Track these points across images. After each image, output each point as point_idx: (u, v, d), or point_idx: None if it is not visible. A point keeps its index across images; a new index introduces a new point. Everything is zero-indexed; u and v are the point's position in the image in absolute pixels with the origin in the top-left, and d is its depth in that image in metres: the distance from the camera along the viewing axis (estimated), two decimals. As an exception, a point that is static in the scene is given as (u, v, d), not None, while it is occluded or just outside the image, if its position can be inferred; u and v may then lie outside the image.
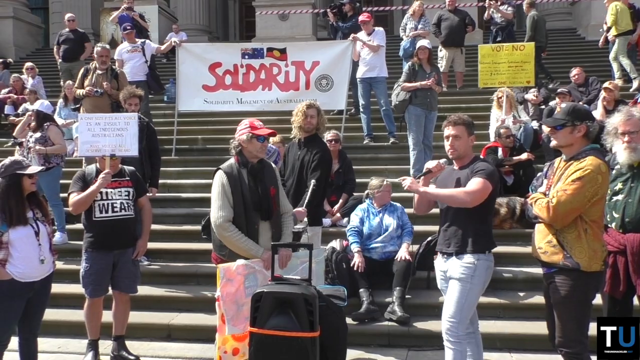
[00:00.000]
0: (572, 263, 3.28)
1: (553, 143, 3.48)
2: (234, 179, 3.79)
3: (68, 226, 6.81)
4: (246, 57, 8.68)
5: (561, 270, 3.34)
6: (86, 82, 7.59)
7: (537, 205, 3.36)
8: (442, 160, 3.67)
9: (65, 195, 6.78)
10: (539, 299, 5.31)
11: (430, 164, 3.64)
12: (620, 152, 3.70)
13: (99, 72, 7.59)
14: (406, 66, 7.90)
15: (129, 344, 4.75)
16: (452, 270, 3.57)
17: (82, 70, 7.85)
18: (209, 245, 4.04)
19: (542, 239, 3.41)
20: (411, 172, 7.49)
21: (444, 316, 3.61)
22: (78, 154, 5.01)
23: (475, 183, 3.47)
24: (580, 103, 8.04)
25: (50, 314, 4.99)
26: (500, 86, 7.81)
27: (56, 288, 5.74)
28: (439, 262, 3.72)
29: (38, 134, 6.56)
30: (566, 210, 3.22)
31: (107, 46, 8.07)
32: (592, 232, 3.30)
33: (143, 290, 5.38)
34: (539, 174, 3.85)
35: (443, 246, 3.64)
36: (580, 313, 3.36)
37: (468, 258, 3.53)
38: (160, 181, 6.82)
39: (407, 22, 10.09)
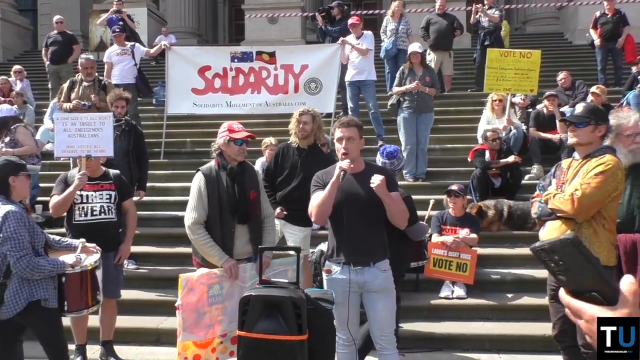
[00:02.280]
0: None
1: (572, 140, 3.49)
2: (212, 181, 3.82)
3: (54, 230, 6.76)
4: (235, 60, 8.67)
5: None
6: (73, 95, 7.39)
7: (558, 199, 3.38)
8: (348, 161, 3.44)
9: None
10: (527, 300, 5.36)
11: (345, 165, 3.37)
12: (624, 154, 3.72)
13: (85, 84, 7.40)
14: (399, 71, 7.96)
15: (117, 348, 4.73)
16: (373, 282, 3.45)
17: (67, 83, 7.65)
18: (197, 249, 4.03)
19: (559, 235, 3.42)
20: (403, 173, 7.54)
21: (383, 330, 3.53)
22: (55, 155, 4.97)
23: (401, 201, 3.50)
24: (567, 107, 8.13)
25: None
26: (505, 92, 7.82)
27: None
28: (347, 272, 3.46)
29: (7, 139, 6.47)
30: (590, 202, 3.29)
31: (91, 57, 7.85)
32: (609, 227, 3.39)
33: (131, 294, 5.37)
34: (546, 175, 3.84)
35: (352, 256, 3.45)
36: None
37: (385, 265, 3.51)
38: (149, 184, 6.79)
39: (387, 24, 10.12)
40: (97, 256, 3.91)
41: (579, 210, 3.31)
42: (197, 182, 3.85)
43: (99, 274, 3.89)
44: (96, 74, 7.67)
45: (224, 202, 3.79)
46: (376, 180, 3.29)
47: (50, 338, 3.70)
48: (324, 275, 3.64)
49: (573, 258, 1.28)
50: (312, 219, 3.53)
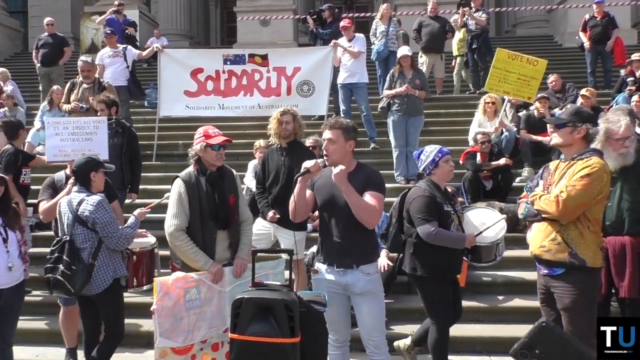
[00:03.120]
0: (578, 260, 3.35)
1: (553, 141, 3.55)
2: (192, 187, 3.79)
3: (43, 233, 6.73)
4: (228, 63, 8.69)
5: (568, 272, 3.39)
6: (72, 97, 7.35)
7: (543, 200, 3.41)
8: (320, 160, 3.50)
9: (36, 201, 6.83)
10: (518, 302, 5.39)
11: (308, 164, 3.44)
12: (614, 157, 3.76)
13: (85, 86, 7.35)
14: (389, 74, 7.99)
15: (108, 351, 4.71)
16: (355, 285, 3.48)
17: (68, 85, 7.63)
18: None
19: (545, 237, 3.46)
20: (395, 175, 7.58)
21: (370, 334, 3.54)
22: (46, 160, 4.91)
23: (378, 201, 3.44)
24: (557, 109, 8.19)
25: (28, 322, 4.94)
26: (504, 95, 7.84)
27: (34, 296, 5.70)
28: (332, 272, 3.53)
29: None
30: (575, 204, 3.30)
31: (89, 59, 7.75)
32: (594, 229, 3.41)
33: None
34: (527, 175, 3.88)
35: (335, 258, 3.49)
36: (591, 315, 3.41)
37: (370, 268, 3.51)
38: (141, 187, 6.76)
39: (376, 27, 10.18)
40: (153, 239, 4.48)
41: (563, 212, 3.33)
42: (177, 188, 3.81)
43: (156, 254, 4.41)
44: (96, 76, 7.62)
45: (205, 208, 3.77)
46: (336, 169, 3.35)
47: (118, 311, 4.06)
48: (312, 275, 3.68)
49: (553, 343, 1.26)
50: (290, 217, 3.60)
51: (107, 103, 6.08)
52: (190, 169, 3.91)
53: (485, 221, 4.19)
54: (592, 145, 3.58)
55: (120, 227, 4.02)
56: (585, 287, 3.38)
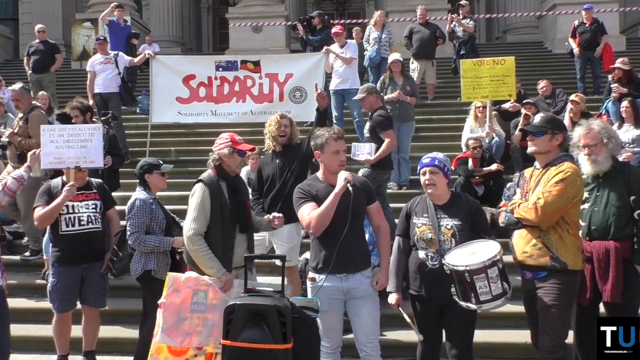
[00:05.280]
0: (560, 263, 3.45)
1: (531, 149, 3.63)
2: (215, 192, 3.79)
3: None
4: (220, 69, 8.71)
5: (550, 274, 3.47)
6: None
7: (522, 208, 3.50)
8: (346, 173, 3.53)
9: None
10: (509, 308, 5.33)
11: (350, 177, 3.47)
12: (584, 164, 3.83)
13: (19, 115, 6.67)
14: (379, 80, 8.03)
15: (99, 359, 4.71)
16: (357, 289, 3.55)
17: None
18: (181, 258, 4.03)
19: (527, 243, 3.55)
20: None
21: (368, 337, 3.60)
22: (41, 167, 4.87)
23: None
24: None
25: (19, 330, 4.91)
26: (483, 99, 7.89)
27: (25, 303, 5.68)
28: (331, 279, 3.53)
29: None
30: (553, 209, 3.40)
31: (18, 87, 6.69)
32: (573, 232, 3.51)
33: (114, 304, 5.32)
34: (509, 184, 3.95)
35: (338, 264, 3.48)
36: (567, 317, 3.50)
37: (369, 272, 3.65)
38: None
39: (369, 33, 10.23)
40: None
41: (542, 218, 3.43)
42: (201, 192, 3.77)
43: None
44: (33, 103, 6.74)
45: (227, 213, 3.79)
46: (343, 175, 3.45)
47: (152, 299, 4.17)
48: (309, 283, 3.68)
49: None
50: (311, 231, 3.52)
51: (81, 109, 6.01)
52: (211, 173, 3.89)
53: (477, 252, 3.42)
54: (573, 150, 3.69)
55: (153, 235, 4.28)
56: (566, 288, 3.48)
